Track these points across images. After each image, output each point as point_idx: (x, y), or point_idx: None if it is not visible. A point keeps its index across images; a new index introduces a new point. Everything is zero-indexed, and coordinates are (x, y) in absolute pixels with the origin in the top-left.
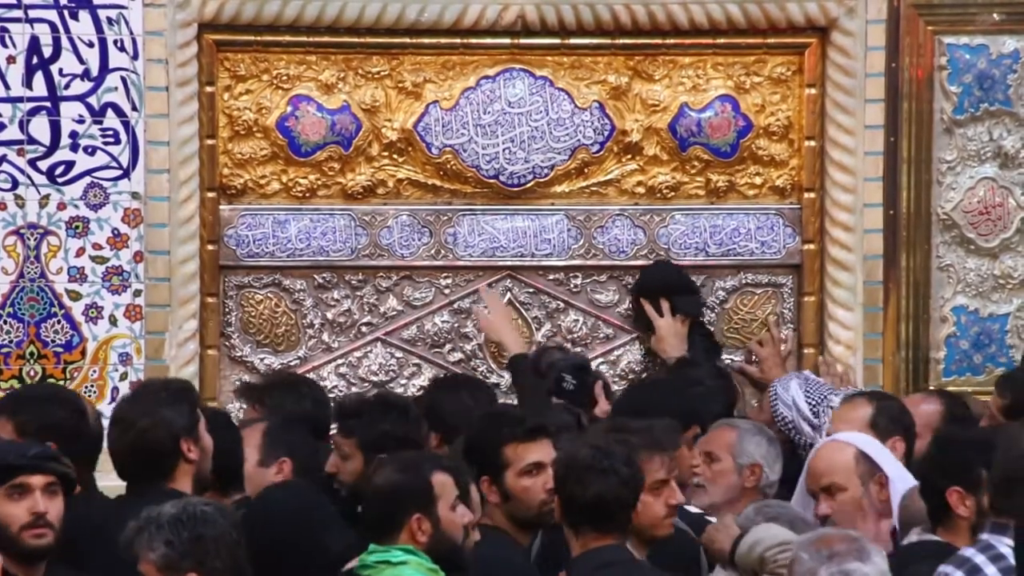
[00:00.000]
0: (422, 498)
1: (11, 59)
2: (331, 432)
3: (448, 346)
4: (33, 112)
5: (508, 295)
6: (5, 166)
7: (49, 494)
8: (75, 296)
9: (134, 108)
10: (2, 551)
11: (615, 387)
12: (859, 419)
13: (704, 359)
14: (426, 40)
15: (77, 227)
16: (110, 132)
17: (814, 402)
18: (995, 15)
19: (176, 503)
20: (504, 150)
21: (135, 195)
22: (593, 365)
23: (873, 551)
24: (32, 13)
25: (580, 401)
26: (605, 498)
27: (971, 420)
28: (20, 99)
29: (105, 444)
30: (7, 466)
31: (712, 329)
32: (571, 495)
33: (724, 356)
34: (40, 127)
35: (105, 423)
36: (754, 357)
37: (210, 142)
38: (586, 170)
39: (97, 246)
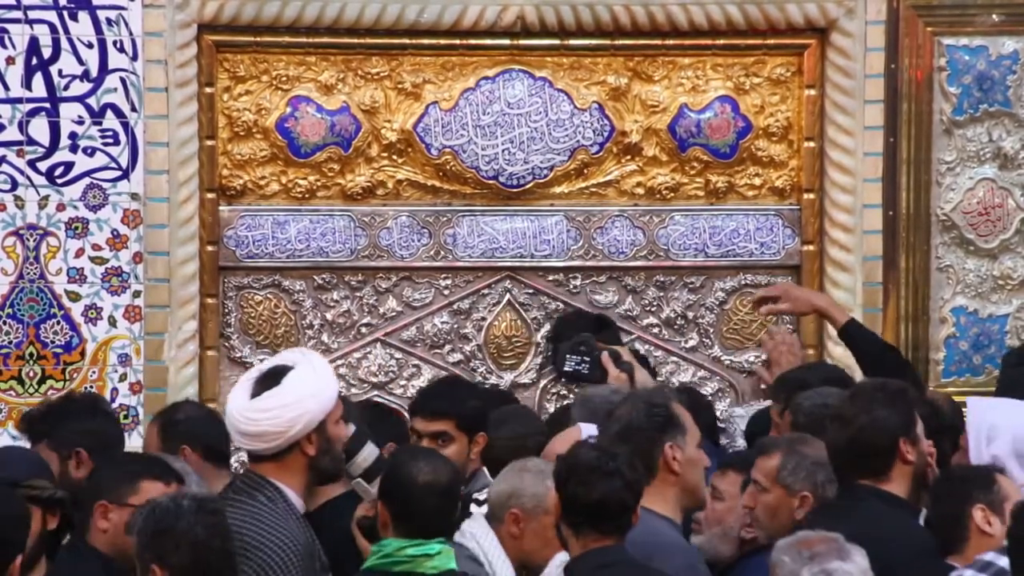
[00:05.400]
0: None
1: (10, 60)
2: None
3: (447, 347)
4: (32, 113)
5: (507, 296)
6: (4, 167)
7: None
8: (74, 297)
9: (133, 109)
10: None
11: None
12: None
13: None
14: (425, 41)
15: (76, 228)
16: (109, 133)
17: None
18: (994, 16)
19: (168, 495)
20: (503, 151)
21: (134, 196)
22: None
23: (854, 550)
24: (31, 14)
25: (592, 377)
26: (608, 500)
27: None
28: (19, 100)
29: None
30: None
31: (643, 354)
32: (574, 496)
33: (723, 356)
34: (39, 128)
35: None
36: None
37: (209, 143)
38: (585, 171)
39: (96, 247)
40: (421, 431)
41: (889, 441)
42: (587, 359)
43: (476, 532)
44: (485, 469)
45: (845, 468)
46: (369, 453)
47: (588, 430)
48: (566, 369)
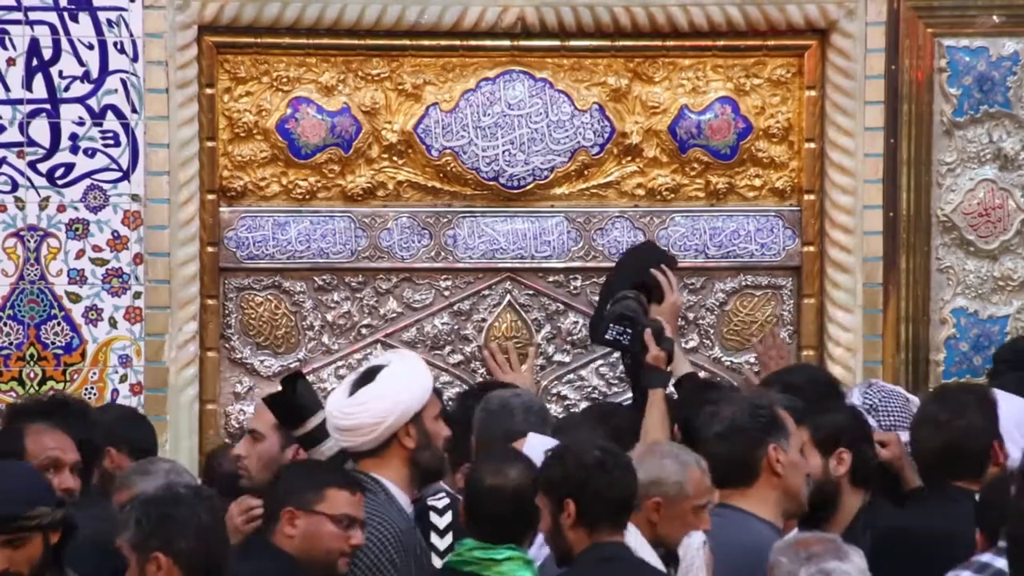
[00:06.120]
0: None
1: (11, 61)
2: None
3: (448, 348)
4: (33, 114)
5: (508, 297)
6: (5, 168)
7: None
8: (75, 298)
9: (134, 110)
10: None
11: (614, 389)
12: None
13: None
14: (426, 42)
15: (77, 229)
16: (110, 134)
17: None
18: (995, 17)
19: (160, 485)
20: (504, 152)
21: (135, 197)
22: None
23: (851, 550)
24: (32, 15)
25: (633, 348)
26: (626, 495)
27: None
28: (20, 101)
29: None
30: None
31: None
32: (596, 492)
33: (723, 357)
34: (40, 129)
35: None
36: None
37: (210, 144)
38: (586, 172)
39: (97, 248)
40: None
41: (985, 445)
42: (629, 331)
43: None
44: None
45: (937, 470)
46: (334, 444)
47: (541, 442)
48: (607, 337)
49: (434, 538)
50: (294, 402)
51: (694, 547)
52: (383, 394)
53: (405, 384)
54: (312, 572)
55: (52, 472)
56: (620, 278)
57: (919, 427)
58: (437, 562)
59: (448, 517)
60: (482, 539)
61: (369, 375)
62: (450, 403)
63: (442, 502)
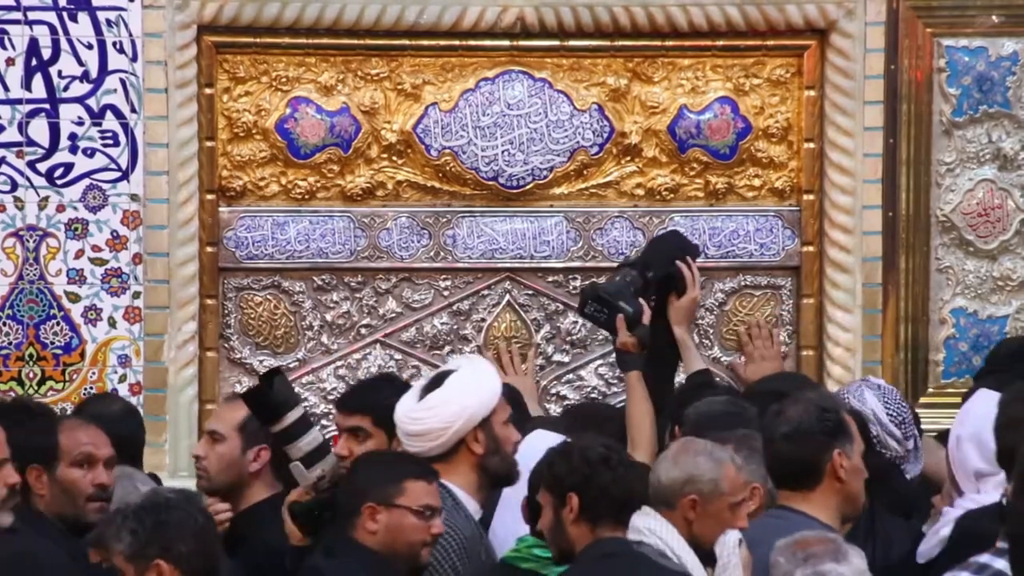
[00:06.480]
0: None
1: (10, 61)
2: None
3: (447, 348)
4: (32, 114)
5: (507, 297)
6: (4, 168)
7: None
8: (74, 298)
9: (133, 110)
10: None
11: (613, 389)
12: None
13: None
14: (425, 42)
15: (76, 229)
16: (109, 134)
17: (895, 415)
18: (994, 17)
19: (144, 493)
20: (503, 152)
21: (134, 197)
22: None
23: (851, 551)
24: (31, 15)
25: (608, 326)
26: (629, 492)
27: None
28: (19, 101)
29: None
30: None
31: None
32: (600, 487)
33: (722, 357)
34: (39, 129)
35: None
36: (741, 357)
37: (209, 144)
38: (585, 172)
39: (96, 248)
40: (339, 425)
41: None
42: (604, 311)
43: (654, 527)
44: None
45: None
46: (313, 439)
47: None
48: (585, 311)
49: None
50: (272, 398)
51: (730, 545)
52: (451, 399)
53: (473, 389)
54: (396, 565)
55: (86, 468)
56: (645, 264)
57: (1007, 430)
58: None
59: None
60: (543, 537)
61: (438, 380)
62: None
63: None
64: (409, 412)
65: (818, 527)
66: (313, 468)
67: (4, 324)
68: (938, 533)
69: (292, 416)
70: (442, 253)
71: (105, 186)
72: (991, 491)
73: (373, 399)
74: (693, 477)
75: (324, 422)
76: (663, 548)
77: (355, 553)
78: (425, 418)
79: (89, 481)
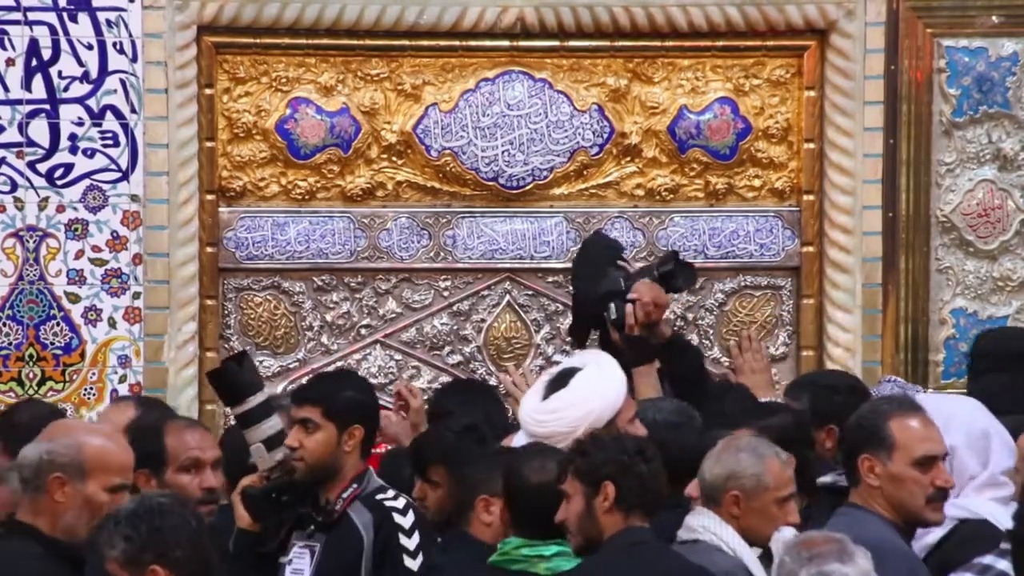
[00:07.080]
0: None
1: (10, 61)
2: None
3: (447, 348)
4: (32, 114)
5: (507, 297)
6: (4, 168)
7: None
8: (74, 298)
9: (133, 110)
10: None
11: None
12: None
13: None
14: (425, 42)
15: (76, 229)
16: (109, 134)
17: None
18: (994, 17)
19: (135, 498)
20: (503, 152)
21: (134, 197)
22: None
23: (857, 551)
24: (31, 15)
25: (620, 325)
26: (661, 485)
27: None
28: (19, 101)
29: None
30: None
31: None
32: (637, 476)
33: (722, 358)
34: (39, 129)
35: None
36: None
37: (209, 144)
38: (585, 172)
39: (96, 248)
40: (291, 417)
41: None
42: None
43: (708, 524)
44: (372, 470)
45: None
46: (274, 424)
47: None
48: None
49: (402, 539)
50: (239, 378)
51: (782, 541)
52: (576, 402)
53: (599, 392)
54: None
55: (193, 472)
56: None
57: None
58: (410, 563)
59: (411, 516)
60: (529, 536)
61: (563, 379)
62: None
63: (400, 502)
64: (534, 413)
65: (879, 523)
66: (275, 451)
67: (4, 324)
68: (926, 537)
69: (256, 399)
70: (442, 253)
71: (105, 186)
72: (986, 492)
73: (323, 391)
74: (735, 473)
75: None
76: (719, 544)
77: (468, 547)
78: (550, 421)
79: (197, 485)
